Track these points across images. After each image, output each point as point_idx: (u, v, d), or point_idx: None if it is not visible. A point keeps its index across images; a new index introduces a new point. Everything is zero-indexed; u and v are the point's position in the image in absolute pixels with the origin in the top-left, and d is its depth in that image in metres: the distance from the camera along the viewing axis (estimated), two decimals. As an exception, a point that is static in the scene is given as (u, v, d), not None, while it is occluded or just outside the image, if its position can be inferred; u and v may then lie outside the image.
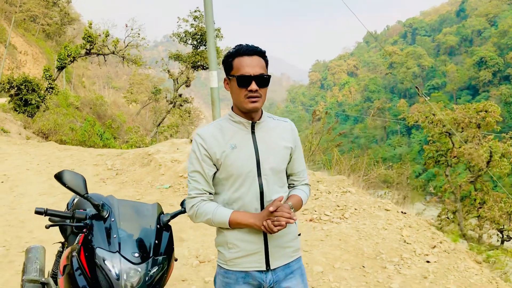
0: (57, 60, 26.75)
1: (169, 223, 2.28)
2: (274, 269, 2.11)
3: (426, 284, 4.05)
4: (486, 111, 21.39)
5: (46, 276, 3.15)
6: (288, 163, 2.22)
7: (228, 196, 2.09)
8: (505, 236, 21.08)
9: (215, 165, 2.09)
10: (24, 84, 22.98)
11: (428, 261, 4.56)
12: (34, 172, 9.28)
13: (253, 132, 2.11)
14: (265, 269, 2.09)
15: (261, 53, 2.09)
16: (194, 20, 25.92)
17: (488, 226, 21.10)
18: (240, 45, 2.10)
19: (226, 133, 2.11)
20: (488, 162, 21.05)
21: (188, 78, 28.19)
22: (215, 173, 2.11)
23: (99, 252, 1.97)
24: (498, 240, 21.43)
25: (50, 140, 20.67)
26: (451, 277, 4.20)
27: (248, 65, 2.02)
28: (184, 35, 26.50)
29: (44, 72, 25.54)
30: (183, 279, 4.27)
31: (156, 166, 8.98)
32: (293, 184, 2.29)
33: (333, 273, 4.31)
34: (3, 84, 23.44)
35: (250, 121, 2.10)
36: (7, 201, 6.67)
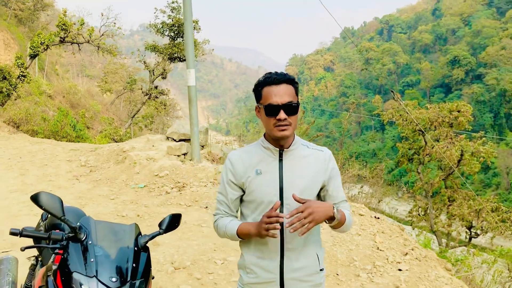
0: (29, 47, 26.11)
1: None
2: None
3: (398, 294, 4.14)
4: (458, 111, 21.85)
5: (18, 290, 3.08)
6: (325, 195, 2.20)
7: (251, 220, 2.14)
8: (473, 233, 21.69)
9: (241, 188, 2.16)
10: (-6, 72, 22.34)
11: (400, 269, 4.65)
12: (4, 167, 9.05)
13: (280, 160, 2.12)
14: None
15: (289, 81, 2.08)
16: (172, 11, 25.57)
17: (458, 223, 21.67)
18: (269, 73, 2.11)
19: (254, 158, 2.15)
20: (459, 161, 21.55)
21: (164, 69, 27.87)
22: (242, 195, 2.18)
23: (76, 276, 1.94)
24: (466, 237, 22.04)
25: (21, 130, 20.22)
26: (422, 287, 4.29)
27: (276, 94, 2.03)
28: (161, 26, 26.13)
29: (16, 60, 24.87)
30: (157, 287, 4.25)
31: (131, 164, 8.88)
32: None
33: (308, 281, 4.35)
34: (-28, 71, 22.73)
35: (278, 148, 2.12)
36: (-24, 200, 6.49)
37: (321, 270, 2.19)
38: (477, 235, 21.80)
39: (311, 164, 2.14)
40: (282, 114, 2.00)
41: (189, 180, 7.98)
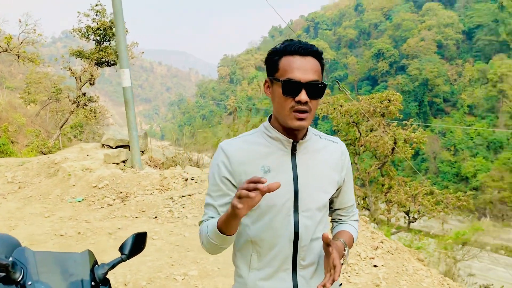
0: None
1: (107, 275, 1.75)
2: None
3: (380, 293, 3.85)
4: (389, 100, 22.49)
5: None
6: (335, 197, 1.75)
7: (253, 233, 1.60)
8: (411, 218, 22.40)
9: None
10: None
11: (375, 265, 4.37)
12: None
13: (293, 154, 1.62)
14: None
15: (317, 54, 1.61)
16: (96, 14, 24.46)
17: (396, 209, 22.31)
18: (291, 40, 1.61)
19: (258, 151, 1.62)
20: (392, 149, 22.18)
21: (92, 75, 26.59)
22: None
23: None
24: (405, 222, 22.72)
25: None
26: (403, 282, 4.03)
27: (300, 68, 1.53)
28: (85, 30, 24.93)
29: None
30: (112, 314, 3.67)
31: (65, 177, 8.07)
32: (340, 219, 1.81)
33: None
34: None
35: (291, 140, 1.60)
36: None
37: (339, 285, 1.77)
38: (415, 219, 22.55)
39: (327, 160, 1.68)
40: (303, 95, 1.51)
41: (133, 189, 7.34)
